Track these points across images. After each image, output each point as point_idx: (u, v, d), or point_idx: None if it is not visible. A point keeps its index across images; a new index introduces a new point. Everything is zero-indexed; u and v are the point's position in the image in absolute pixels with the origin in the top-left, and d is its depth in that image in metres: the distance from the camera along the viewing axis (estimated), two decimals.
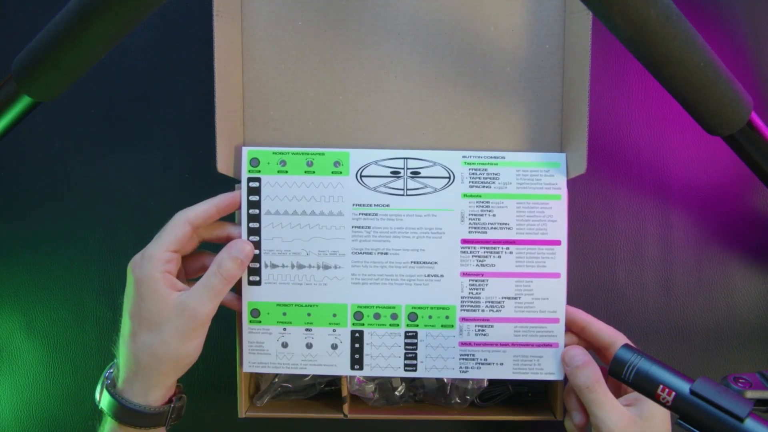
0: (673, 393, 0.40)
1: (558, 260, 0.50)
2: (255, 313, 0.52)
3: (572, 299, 0.52)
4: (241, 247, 0.49)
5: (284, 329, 0.51)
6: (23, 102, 0.47)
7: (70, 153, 0.63)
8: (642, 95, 0.61)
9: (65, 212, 0.64)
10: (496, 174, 0.50)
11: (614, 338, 0.49)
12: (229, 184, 0.54)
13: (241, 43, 0.56)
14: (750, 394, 0.41)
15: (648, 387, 0.41)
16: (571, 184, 0.57)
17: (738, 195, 0.62)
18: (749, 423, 0.37)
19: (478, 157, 0.51)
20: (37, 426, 0.66)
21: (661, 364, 0.42)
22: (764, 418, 0.38)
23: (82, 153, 0.63)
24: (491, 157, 0.51)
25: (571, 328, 0.51)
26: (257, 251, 0.51)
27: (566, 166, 0.51)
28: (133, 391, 0.46)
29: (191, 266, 0.52)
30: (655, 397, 0.41)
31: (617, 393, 0.51)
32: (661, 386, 0.40)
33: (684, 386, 0.40)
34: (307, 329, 0.51)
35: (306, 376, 0.58)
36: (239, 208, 0.52)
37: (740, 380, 0.42)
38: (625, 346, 0.44)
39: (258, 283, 0.51)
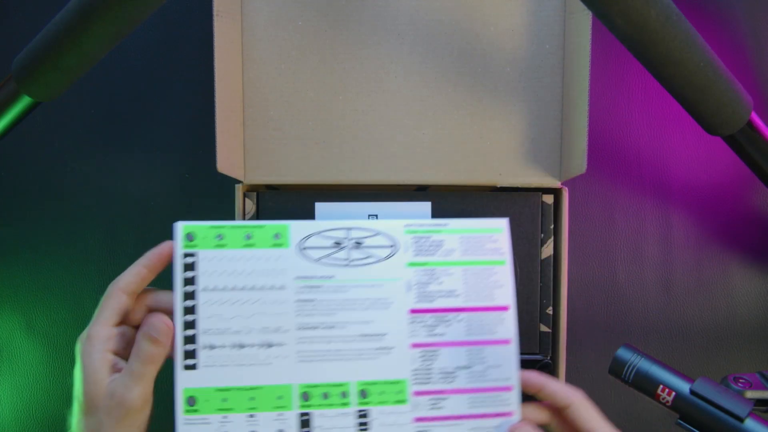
0: (673, 393, 0.40)
1: (507, 326, 0.49)
2: (191, 401, 0.46)
3: (572, 299, 0.52)
4: (156, 326, 0.45)
5: (225, 417, 0.46)
6: (23, 102, 0.47)
7: (70, 153, 0.63)
8: (642, 95, 0.61)
9: (65, 212, 0.64)
10: (440, 241, 0.49)
11: (570, 399, 0.46)
12: (230, 183, 0.54)
13: (241, 43, 0.56)
14: (750, 394, 0.41)
15: (648, 387, 0.41)
16: (571, 184, 0.57)
17: (738, 195, 0.62)
18: (749, 423, 0.37)
19: (421, 225, 0.49)
20: (37, 426, 0.66)
21: (661, 364, 0.42)
22: (764, 418, 0.38)
23: (82, 153, 0.63)
24: (434, 225, 0.50)
25: (527, 390, 0.49)
26: (194, 331, 0.47)
27: (508, 230, 0.50)
28: None
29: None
30: (655, 397, 0.41)
31: None
32: (661, 386, 0.41)
33: (684, 386, 0.40)
34: (250, 416, 0.47)
35: None
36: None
37: (740, 380, 0.42)
38: (626, 346, 0.43)
39: (194, 367, 0.46)
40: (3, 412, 0.66)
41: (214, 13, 0.52)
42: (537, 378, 0.48)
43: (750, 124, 0.47)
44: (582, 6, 0.50)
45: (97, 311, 0.46)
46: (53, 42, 0.44)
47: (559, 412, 0.48)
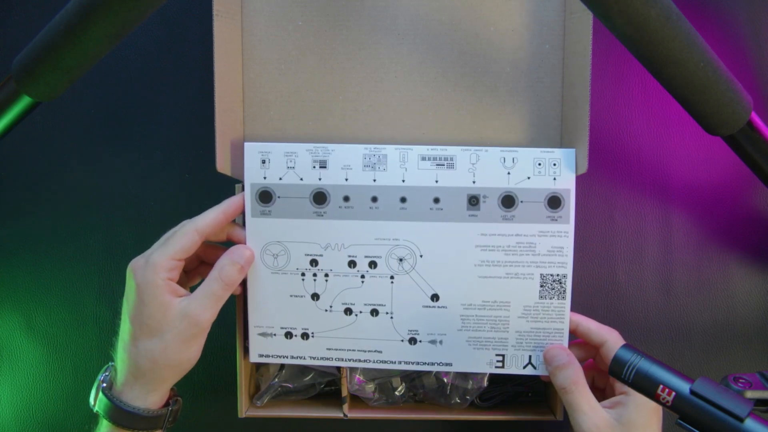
0: (673, 393, 0.40)
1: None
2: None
3: (572, 299, 0.52)
4: (241, 252, 0.50)
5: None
6: (23, 102, 0.47)
7: (70, 153, 0.63)
8: (642, 95, 0.61)
9: (65, 212, 0.64)
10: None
11: (605, 337, 0.49)
12: (229, 183, 0.54)
13: (241, 43, 0.56)
14: (750, 394, 0.41)
15: (648, 387, 0.41)
16: None
17: (738, 195, 0.62)
18: (749, 423, 0.37)
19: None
20: (37, 426, 0.66)
21: (661, 364, 0.42)
22: (764, 418, 0.38)
23: (82, 153, 0.63)
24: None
25: None
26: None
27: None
28: (131, 394, 0.47)
29: (189, 266, 0.53)
30: (655, 397, 0.41)
31: (602, 395, 0.51)
32: (661, 386, 0.40)
33: (684, 386, 0.40)
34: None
35: (306, 375, 0.58)
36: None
37: (740, 380, 0.42)
38: (625, 346, 0.43)
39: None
40: (3, 412, 0.66)
41: (214, 13, 0.52)
42: (572, 316, 0.51)
43: (750, 124, 0.47)
44: (582, 6, 0.50)
45: (161, 243, 0.48)
46: (53, 42, 0.43)
47: (596, 350, 0.50)
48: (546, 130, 0.56)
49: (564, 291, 0.50)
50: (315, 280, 0.51)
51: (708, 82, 0.44)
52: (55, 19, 0.44)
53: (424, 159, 0.50)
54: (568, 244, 0.49)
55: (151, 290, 0.45)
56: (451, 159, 0.50)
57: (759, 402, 0.41)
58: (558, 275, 0.50)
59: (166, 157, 0.63)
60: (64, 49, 0.43)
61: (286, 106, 0.57)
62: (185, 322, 0.45)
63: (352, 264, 0.50)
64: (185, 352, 0.46)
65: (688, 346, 0.62)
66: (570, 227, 0.49)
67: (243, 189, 0.56)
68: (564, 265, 0.50)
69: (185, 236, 0.47)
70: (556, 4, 0.55)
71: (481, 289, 0.50)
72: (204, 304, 0.46)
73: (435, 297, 0.51)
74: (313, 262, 0.51)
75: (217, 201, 0.52)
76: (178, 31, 0.62)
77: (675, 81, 0.44)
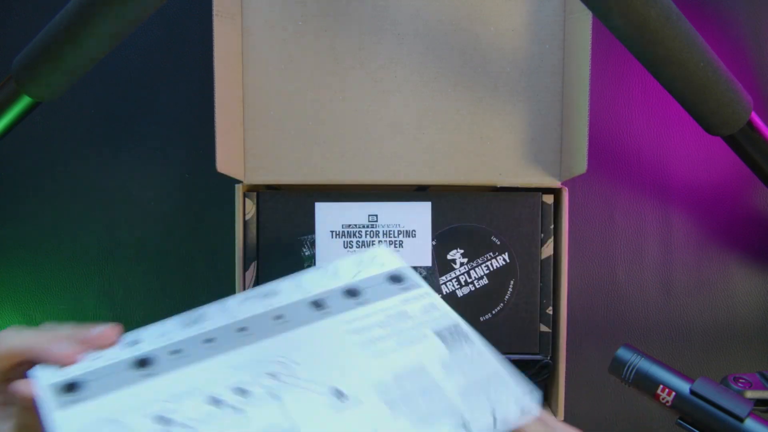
0: (673, 393, 0.40)
1: None
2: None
3: (572, 299, 0.52)
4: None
5: None
6: (23, 102, 0.47)
7: (70, 153, 0.63)
8: (642, 95, 0.61)
9: (65, 212, 0.64)
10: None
11: None
12: (230, 183, 0.54)
13: (240, 43, 0.56)
14: (750, 394, 0.41)
15: (648, 387, 0.41)
16: (571, 184, 0.57)
17: (738, 195, 0.62)
18: (749, 423, 0.37)
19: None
20: None
21: (661, 364, 0.42)
22: (764, 418, 0.38)
23: (82, 153, 0.63)
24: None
25: None
26: None
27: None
28: None
29: None
30: (655, 397, 0.41)
31: None
32: (661, 386, 0.41)
33: (684, 386, 0.40)
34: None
35: None
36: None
37: (740, 380, 0.42)
38: (626, 346, 0.44)
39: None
40: None
41: (214, 13, 0.52)
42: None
43: (750, 124, 0.47)
44: (582, 6, 0.50)
45: None
46: (53, 42, 0.44)
47: None
48: (546, 130, 0.56)
49: (467, 335, 0.42)
50: None
51: (708, 82, 0.44)
52: (55, 19, 0.44)
53: (246, 300, 0.40)
54: (435, 299, 0.43)
55: None
56: (276, 288, 0.42)
57: (759, 402, 0.41)
58: (449, 325, 0.43)
59: (166, 157, 0.63)
60: (64, 49, 0.43)
61: (286, 106, 0.57)
62: None
63: (215, 403, 0.37)
64: None
65: (688, 346, 0.62)
66: (426, 287, 0.44)
67: (241, 192, 0.56)
68: (447, 315, 0.42)
69: None
70: (556, 4, 0.55)
71: (382, 365, 0.39)
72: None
73: (339, 393, 0.38)
74: (165, 421, 0.36)
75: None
76: (178, 31, 0.62)
77: (675, 81, 0.44)
